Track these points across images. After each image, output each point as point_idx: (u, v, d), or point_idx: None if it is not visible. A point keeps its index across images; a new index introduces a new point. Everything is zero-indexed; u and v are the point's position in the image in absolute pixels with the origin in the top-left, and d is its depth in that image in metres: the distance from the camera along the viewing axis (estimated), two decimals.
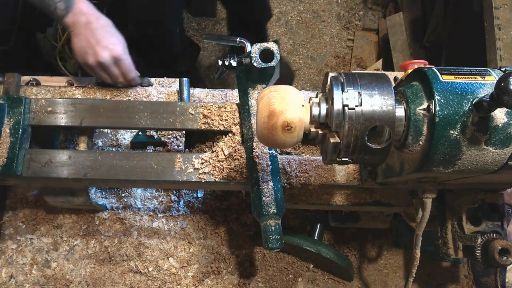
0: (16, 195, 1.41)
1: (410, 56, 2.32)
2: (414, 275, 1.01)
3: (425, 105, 0.79)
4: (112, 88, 1.30)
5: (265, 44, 1.11)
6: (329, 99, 0.82)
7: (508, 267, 1.35)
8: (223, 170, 1.14)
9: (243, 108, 1.15)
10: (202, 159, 1.14)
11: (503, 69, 0.82)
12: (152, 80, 1.37)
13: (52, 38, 1.90)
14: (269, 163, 1.09)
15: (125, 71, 1.25)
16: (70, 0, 1.17)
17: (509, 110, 0.75)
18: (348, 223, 1.36)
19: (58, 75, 1.44)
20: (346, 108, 0.77)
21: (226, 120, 1.17)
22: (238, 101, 1.19)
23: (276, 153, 1.11)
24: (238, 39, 1.21)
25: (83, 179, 1.14)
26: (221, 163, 1.14)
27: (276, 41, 2.34)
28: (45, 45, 1.88)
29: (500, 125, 0.75)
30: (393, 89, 0.79)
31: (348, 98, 0.77)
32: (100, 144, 1.38)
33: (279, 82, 1.02)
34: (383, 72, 0.96)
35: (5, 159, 1.10)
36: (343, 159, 0.82)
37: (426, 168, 0.80)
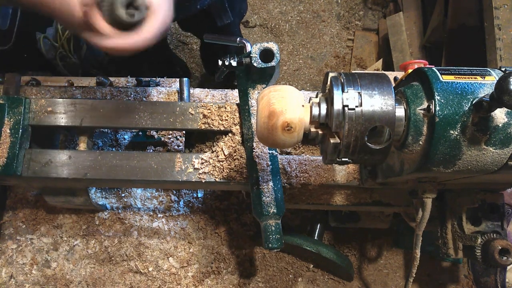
0: (16, 195, 1.41)
1: (410, 56, 2.32)
2: (414, 275, 1.01)
3: (425, 105, 0.79)
4: (112, 88, 1.30)
5: (265, 44, 1.11)
6: (329, 99, 0.82)
7: (508, 267, 1.35)
8: (223, 170, 1.14)
9: (243, 108, 1.15)
10: (202, 159, 1.14)
11: (503, 69, 0.82)
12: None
13: (52, 38, 1.90)
14: (269, 163, 1.09)
15: None
16: None
17: (509, 110, 0.75)
18: (348, 223, 1.36)
19: (58, 75, 1.44)
20: (346, 108, 0.77)
21: (226, 120, 1.17)
22: (238, 101, 1.19)
23: (276, 153, 1.11)
24: (238, 39, 1.21)
25: (83, 179, 1.14)
26: (221, 163, 1.14)
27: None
28: (45, 45, 1.88)
29: (500, 125, 0.75)
30: (393, 89, 0.79)
31: (348, 99, 0.77)
32: (100, 144, 1.38)
33: None
34: (383, 72, 0.96)
35: (5, 159, 1.10)
36: (343, 159, 0.82)
37: (426, 168, 0.80)
